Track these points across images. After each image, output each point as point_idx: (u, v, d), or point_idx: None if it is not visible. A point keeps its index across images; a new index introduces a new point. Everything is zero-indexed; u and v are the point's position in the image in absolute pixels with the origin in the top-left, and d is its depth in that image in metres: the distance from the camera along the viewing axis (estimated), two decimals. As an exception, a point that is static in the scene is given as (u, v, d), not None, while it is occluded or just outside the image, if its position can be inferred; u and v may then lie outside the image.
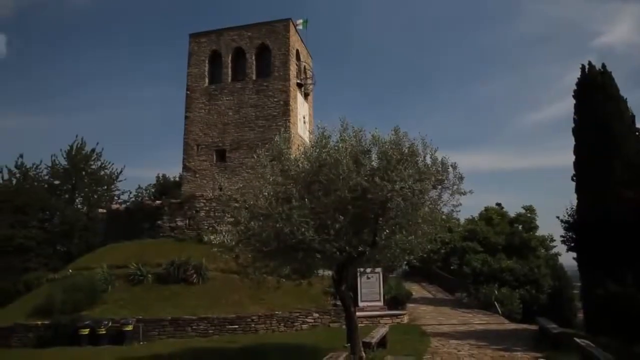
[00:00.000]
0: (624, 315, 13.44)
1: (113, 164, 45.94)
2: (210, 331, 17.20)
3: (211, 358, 12.24)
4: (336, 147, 9.75)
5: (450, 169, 10.15)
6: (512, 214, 33.84)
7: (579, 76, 18.83)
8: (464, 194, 10.21)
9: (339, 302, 15.69)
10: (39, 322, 17.65)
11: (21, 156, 42.35)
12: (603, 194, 16.10)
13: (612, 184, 15.99)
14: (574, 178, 18.16)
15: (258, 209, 9.55)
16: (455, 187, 10.16)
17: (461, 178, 10.18)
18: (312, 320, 17.88)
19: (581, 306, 22.55)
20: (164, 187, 42.12)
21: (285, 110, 28.51)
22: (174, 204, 25.59)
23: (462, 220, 33.29)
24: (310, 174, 9.73)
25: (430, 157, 10.12)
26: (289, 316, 17.78)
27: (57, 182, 43.26)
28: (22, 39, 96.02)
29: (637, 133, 17.34)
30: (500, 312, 22.01)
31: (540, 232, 32.57)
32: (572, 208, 18.39)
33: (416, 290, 28.03)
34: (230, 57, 30.19)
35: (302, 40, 32.36)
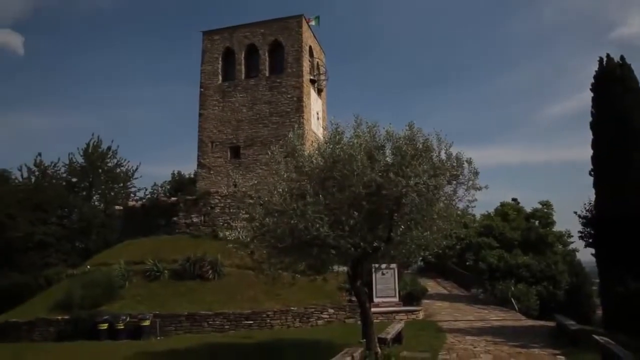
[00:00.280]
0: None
1: (129, 161, 46.52)
2: (226, 326, 17.33)
3: (227, 353, 12.33)
4: (350, 143, 9.74)
5: (466, 164, 10.07)
6: (528, 210, 33.50)
7: (596, 69, 18.52)
8: (480, 189, 10.14)
9: (354, 298, 15.71)
10: (60, 317, 17.99)
11: (39, 154, 43.09)
12: (622, 188, 15.85)
13: (631, 177, 15.72)
14: (592, 172, 17.89)
15: (273, 205, 9.59)
16: (471, 182, 10.09)
17: (476, 173, 10.10)
18: (328, 316, 17.91)
19: (600, 303, 22.27)
20: (179, 184, 42.53)
21: (298, 107, 28.51)
22: (189, 200, 25.78)
23: (477, 216, 33.06)
24: (324, 170, 9.72)
25: (445, 153, 10.06)
26: (304, 312, 17.82)
27: (74, 179, 43.93)
28: (39, 39, 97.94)
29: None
30: (516, 308, 21.84)
31: (557, 228, 32.21)
32: (590, 203, 18.14)
33: (431, 286, 27.91)
34: (243, 54, 30.27)
35: (314, 36, 32.31)
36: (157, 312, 17.40)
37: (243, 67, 30.18)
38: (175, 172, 46.58)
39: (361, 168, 9.19)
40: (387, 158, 9.90)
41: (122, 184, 45.86)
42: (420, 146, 9.89)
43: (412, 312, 18.02)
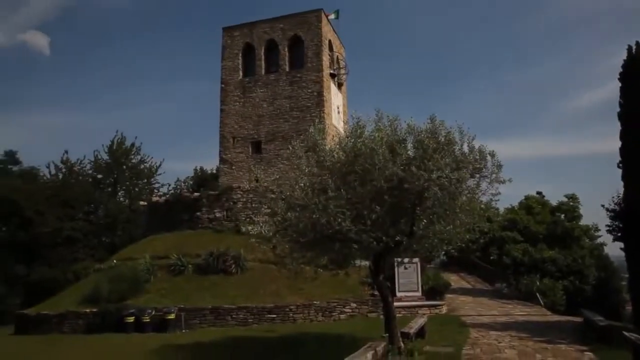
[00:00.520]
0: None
1: (152, 157, 47.28)
2: (250, 320, 17.51)
3: (252, 347, 12.46)
4: (371, 137, 9.71)
5: (489, 157, 9.93)
6: (553, 203, 32.87)
7: (625, 57, 17.98)
8: (503, 182, 9.99)
9: (376, 292, 15.70)
10: (88, 310, 18.44)
11: (66, 152, 44.12)
12: (652, 181, 15.41)
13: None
14: (621, 165, 17.43)
15: (294, 199, 9.63)
16: (494, 175, 9.95)
17: (500, 166, 9.96)
18: (350, 310, 17.93)
19: (629, 298, 21.76)
20: (202, 180, 43.02)
21: (319, 101, 28.48)
22: (211, 195, 26.02)
23: (501, 210, 32.58)
24: (345, 164, 9.72)
25: (468, 146, 9.94)
26: (326, 306, 17.88)
27: (100, 176, 44.83)
28: (64, 39, 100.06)
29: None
30: (542, 303, 21.49)
31: (584, 222, 31.55)
32: (618, 196, 17.70)
33: (454, 280, 27.68)
34: (263, 50, 30.34)
35: (334, 30, 32.18)
36: (182, 306, 17.67)
37: (263, 62, 30.26)
38: (198, 167, 47.16)
39: (383, 162, 9.15)
40: (409, 151, 9.85)
41: (146, 180, 46.62)
42: (443, 139, 9.79)
43: (435, 306, 17.91)
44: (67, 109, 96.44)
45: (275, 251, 10.98)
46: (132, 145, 45.58)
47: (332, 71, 30.82)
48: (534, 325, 14.82)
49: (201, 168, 46.90)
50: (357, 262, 12.49)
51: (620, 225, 17.47)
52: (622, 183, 17.35)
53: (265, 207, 10.60)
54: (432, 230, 9.84)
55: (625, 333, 9.95)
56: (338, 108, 31.24)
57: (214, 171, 38.62)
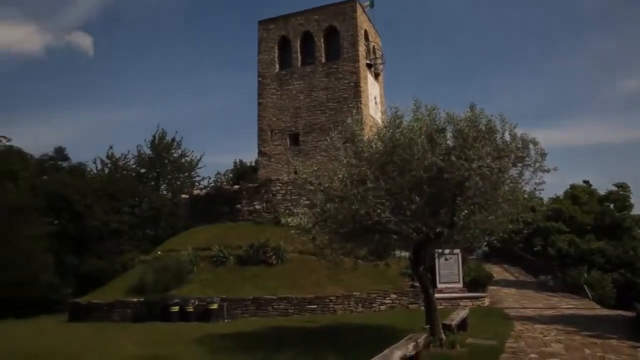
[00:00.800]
0: None
1: (193, 151, 48.34)
2: (290, 311, 17.72)
3: (293, 337, 12.61)
4: (410, 127, 9.59)
5: (531, 146, 9.65)
6: (602, 192, 31.63)
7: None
8: (547, 171, 9.71)
9: (416, 284, 15.59)
10: (135, 299, 19.14)
11: (111, 147, 45.70)
12: None
13: None
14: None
15: (333, 191, 9.65)
16: (538, 164, 9.67)
17: (543, 154, 9.67)
18: (390, 301, 17.88)
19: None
20: (241, 172, 43.65)
21: (356, 92, 28.32)
22: (251, 188, 26.38)
23: (545, 199, 31.62)
24: (384, 155, 9.65)
25: (510, 134, 9.69)
26: (366, 297, 17.90)
27: (143, 170, 46.24)
28: (106, 39, 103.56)
29: None
30: (590, 296, 20.80)
31: (635, 211, 30.22)
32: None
33: (497, 272, 27.15)
34: (298, 42, 30.35)
35: (369, 19, 31.84)
36: (224, 296, 18.05)
37: (299, 54, 30.29)
38: (237, 160, 47.90)
39: (422, 152, 9.05)
40: (449, 141, 9.70)
41: (187, 174, 47.78)
42: (483, 128, 9.59)
43: (477, 298, 17.63)
44: (111, 105, 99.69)
45: (314, 242, 11.01)
46: (173, 139, 46.77)
47: (368, 61, 30.56)
48: (581, 318, 14.36)
49: (240, 161, 47.63)
50: (397, 253, 12.39)
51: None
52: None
53: (304, 198, 10.67)
54: (473, 221, 9.68)
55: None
56: (375, 98, 30.99)
57: (253, 164, 39.10)
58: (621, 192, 30.67)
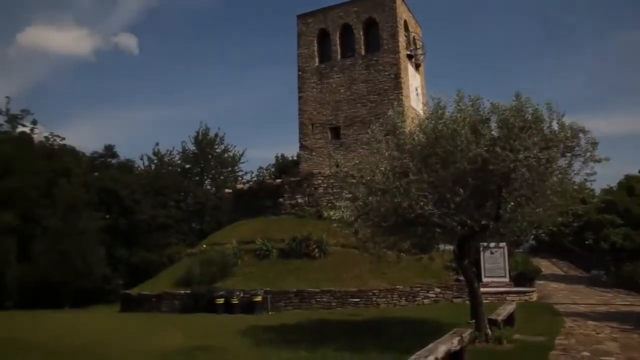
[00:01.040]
0: None
1: (235, 146, 49.20)
2: (333, 304, 17.81)
3: (336, 329, 12.68)
4: (453, 118, 9.43)
5: (581, 135, 9.28)
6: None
7: None
8: (599, 161, 9.31)
9: (461, 277, 15.32)
10: (182, 291, 19.73)
11: (157, 144, 47.21)
12: None
13: None
14: None
15: (375, 184, 9.61)
16: (588, 154, 9.30)
17: (595, 144, 9.29)
18: (434, 295, 17.68)
19: None
20: (283, 166, 44.09)
21: (396, 84, 27.99)
22: (293, 182, 26.59)
23: (597, 191, 30.29)
24: (426, 147, 9.53)
25: (558, 123, 9.35)
26: (410, 291, 17.75)
27: (188, 165, 47.48)
28: (151, 38, 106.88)
29: None
30: (647, 292, 19.84)
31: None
32: None
33: (545, 266, 26.33)
34: (338, 35, 30.23)
35: (409, 9, 31.31)
36: (268, 289, 18.33)
37: (338, 47, 30.18)
38: (279, 154, 48.37)
39: (465, 143, 8.87)
40: (493, 132, 9.48)
41: (230, 168, 48.70)
42: (529, 117, 9.31)
43: (524, 293, 17.17)
44: (156, 103, 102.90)
45: (357, 236, 11.01)
46: (216, 135, 47.75)
47: (408, 52, 30.09)
48: (639, 316, 13.71)
49: (282, 155, 48.09)
50: (441, 246, 12.23)
51: None
52: None
53: (346, 192, 10.66)
54: (520, 214, 9.43)
55: None
56: (416, 90, 30.54)
57: (295, 158, 39.39)
58: (680, 183, 29.02)
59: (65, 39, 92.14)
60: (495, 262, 17.51)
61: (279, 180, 28.49)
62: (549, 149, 9.07)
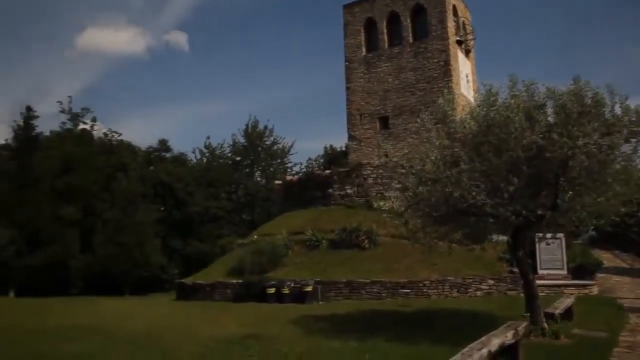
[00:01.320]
0: None
1: (284, 138, 49.77)
2: (383, 294, 17.73)
3: (387, 319, 12.64)
4: (506, 104, 9.11)
5: (647, 118, 8.72)
6: None
7: None
8: (667, 146, 8.73)
9: (515, 269, 14.88)
10: (234, 281, 20.24)
11: (208, 137, 48.53)
12: None
13: None
14: None
15: (425, 173, 9.45)
16: (656, 139, 8.74)
17: (663, 127, 8.70)
18: (487, 287, 17.25)
19: None
20: (332, 157, 44.25)
21: (446, 71, 27.35)
22: (342, 172, 26.60)
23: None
24: (478, 135, 9.27)
25: (621, 107, 8.83)
26: (462, 282, 17.41)
27: (238, 158, 48.50)
28: (201, 35, 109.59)
29: None
30: None
31: None
32: None
33: (607, 258, 25.04)
34: (385, 23, 29.81)
35: (458, -6, 30.42)
36: (318, 279, 18.47)
37: (385, 36, 29.77)
38: (328, 145, 48.52)
39: (519, 130, 8.57)
40: (549, 118, 9.11)
41: (279, 160, 49.36)
42: (589, 102, 8.84)
43: (583, 286, 16.41)
44: (206, 98, 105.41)
45: (407, 226, 10.89)
46: (265, 127, 48.47)
47: (458, 38, 29.29)
48: None
49: (331, 146, 48.22)
50: (494, 237, 11.90)
51: None
52: None
53: (396, 182, 10.55)
54: (579, 203, 9.03)
55: None
56: (467, 76, 29.71)
57: (344, 148, 39.39)
58: None
59: (120, 39, 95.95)
60: (551, 254, 16.86)
61: (328, 171, 28.58)
62: (611, 135, 8.61)
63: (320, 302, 17.70)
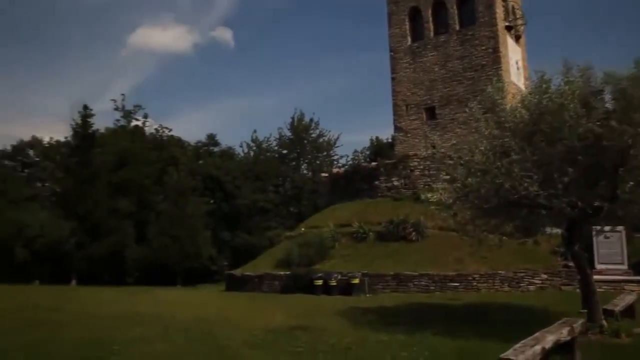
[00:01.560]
0: None
1: (330, 131, 49.81)
2: (431, 287, 17.50)
3: (435, 313, 12.47)
4: (560, 91, 8.72)
5: None
6: None
7: None
8: None
9: (570, 263, 14.32)
10: (282, 272, 20.52)
11: (255, 131, 49.13)
12: None
13: None
14: None
15: (475, 164, 9.22)
16: None
17: None
18: (540, 282, 16.68)
19: None
20: (378, 149, 43.96)
21: (495, 58, 26.50)
22: (388, 164, 26.37)
23: None
24: (530, 124, 8.95)
25: (690, 90, 8.26)
26: (513, 276, 16.92)
27: (284, 151, 48.97)
28: (246, 31, 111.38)
29: None
30: None
31: None
32: None
33: (673, 252, 23.61)
34: (430, 11, 29.14)
35: (507, -24, 29.28)
36: (365, 272, 18.43)
37: (431, 24, 29.13)
38: (374, 137, 48.21)
39: (574, 118, 8.19)
40: (607, 104, 8.66)
41: (325, 153, 49.47)
42: (652, 86, 8.30)
43: (646, 282, 15.57)
44: (252, 92, 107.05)
45: (455, 218, 10.67)
46: (311, 120, 48.65)
47: (507, 23, 28.24)
48: None
49: (377, 138, 47.92)
50: (548, 229, 11.47)
51: None
52: None
53: (444, 173, 10.39)
54: (640, 194, 8.53)
55: None
56: (517, 63, 28.65)
57: (390, 140, 39.01)
58: None
59: (168, 38, 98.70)
60: (610, 248, 16.06)
61: (374, 163, 28.40)
62: (676, 121, 8.08)
63: (368, 295, 17.66)
